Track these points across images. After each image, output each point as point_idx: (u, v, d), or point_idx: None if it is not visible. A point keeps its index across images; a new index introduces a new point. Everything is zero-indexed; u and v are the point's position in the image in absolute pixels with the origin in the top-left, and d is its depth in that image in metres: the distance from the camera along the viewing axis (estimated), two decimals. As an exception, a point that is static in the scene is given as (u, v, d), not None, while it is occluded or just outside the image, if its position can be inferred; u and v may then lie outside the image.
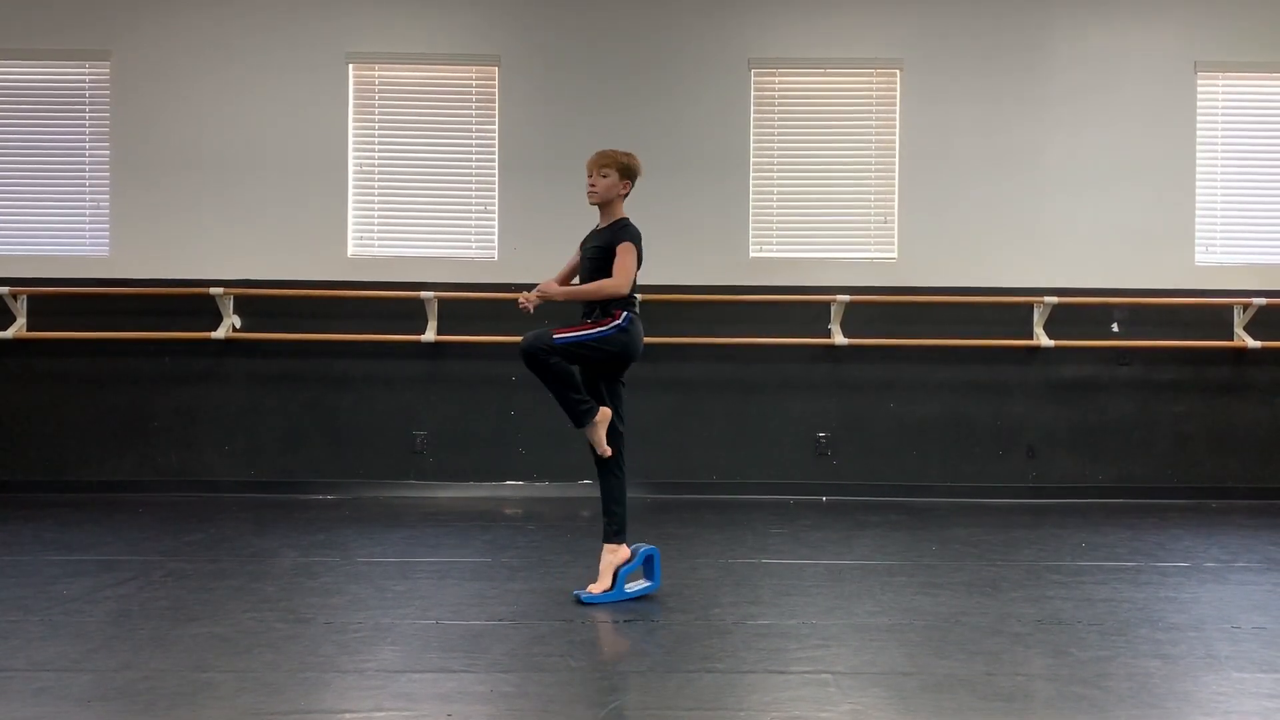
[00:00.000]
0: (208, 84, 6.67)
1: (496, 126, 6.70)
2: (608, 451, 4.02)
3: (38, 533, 5.29)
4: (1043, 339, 6.53)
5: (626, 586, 4.02)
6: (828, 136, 6.74)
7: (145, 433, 6.62)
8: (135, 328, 6.55)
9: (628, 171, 4.10)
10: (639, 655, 3.34)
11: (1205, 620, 3.79)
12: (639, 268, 4.06)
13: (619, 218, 4.13)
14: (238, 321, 6.58)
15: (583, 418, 3.97)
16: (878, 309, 6.59)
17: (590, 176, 4.09)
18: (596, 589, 4.00)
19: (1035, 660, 3.32)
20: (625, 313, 4.01)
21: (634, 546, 4.09)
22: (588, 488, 6.39)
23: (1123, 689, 3.04)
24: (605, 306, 4.03)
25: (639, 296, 4.13)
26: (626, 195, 4.15)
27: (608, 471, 4.07)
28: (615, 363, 4.06)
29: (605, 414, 4.00)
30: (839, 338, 6.52)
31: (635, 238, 4.05)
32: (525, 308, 4.07)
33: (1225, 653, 3.40)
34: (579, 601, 3.96)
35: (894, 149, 6.71)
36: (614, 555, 4.04)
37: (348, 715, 2.84)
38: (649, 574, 4.11)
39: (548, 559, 4.75)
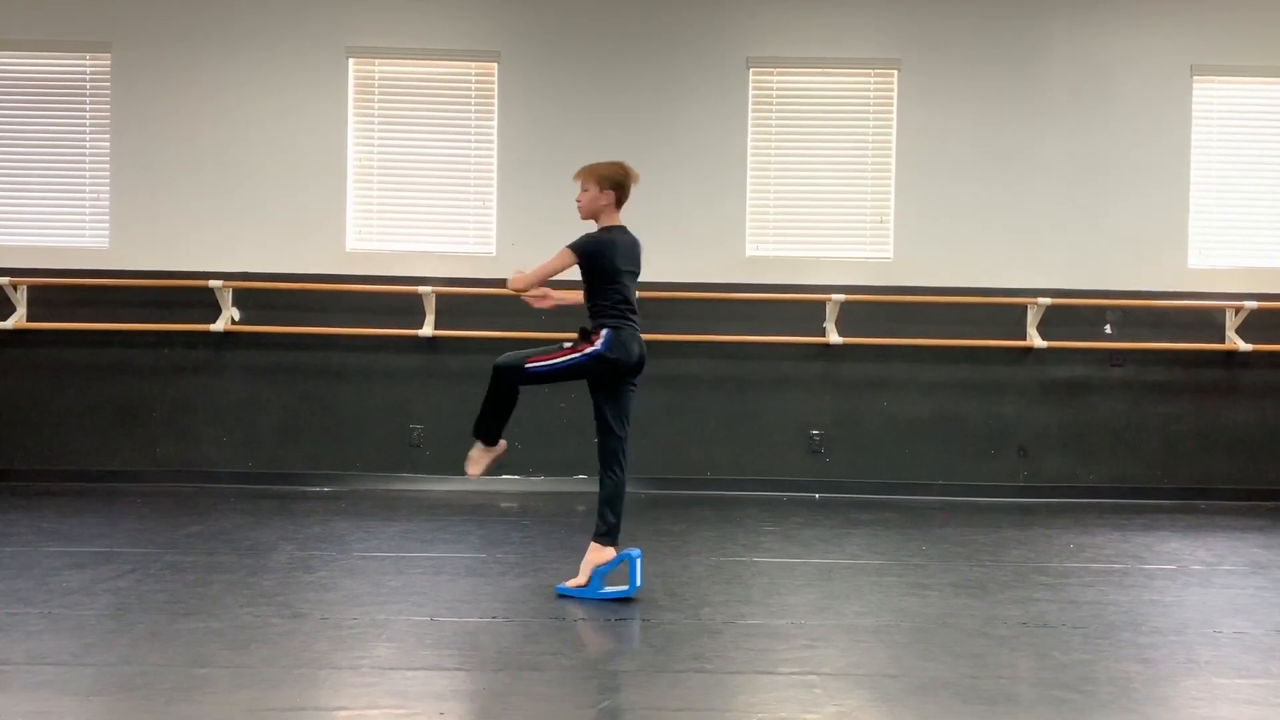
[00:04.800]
0: (208, 76, 6.70)
1: (495, 122, 6.73)
2: (471, 475, 4.23)
3: (36, 523, 5.34)
4: (1036, 340, 6.58)
5: (604, 587, 4.07)
6: (825, 136, 6.77)
7: (144, 424, 6.67)
8: (134, 319, 6.59)
9: (606, 181, 4.11)
10: (629, 654, 3.40)
11: (1188, 624, 3.85)
12: (600, 275, 4.07)
13: (603, 225, 4.17)
14: (236, 314, 6.62)
15: (482, 433, 4.19)
16: (872, 308, 6.64)
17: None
18: (572, 583, 4.10)
19: (1019, 663, 3.38)
20: (606, 333, 4.04)
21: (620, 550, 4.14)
22: (583, 482, 6.45)
23: (1104, 693, 3.09)
24: (591, 324, 4.11)
25: (627, 307, 4.10)
26: (616, 203, 4.16)
27: (605, 470, 4.13)
28: (606, 380, 4.10)
29: (498, 450, 4.23)
30: (834, 336, 6.57)
31: (576, 243, 4.06)
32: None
33: (1205, 657, 3.46)
34: (557, 594, 4.06)
35: (890, 149, 6.75)
36: (596, 555, 4.09)
37: (342, 713, 2.89)
38: (628, 578, 4.08)
39: (541, 555, 4.81)
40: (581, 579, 4.08)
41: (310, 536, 5.14)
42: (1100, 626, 3.79)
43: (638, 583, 4.06)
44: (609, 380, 4.10)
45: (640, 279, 4.24)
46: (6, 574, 4.28)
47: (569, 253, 4.03)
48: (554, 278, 4.08)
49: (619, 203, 4.17)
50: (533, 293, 4.18)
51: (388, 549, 4.91)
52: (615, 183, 4.13)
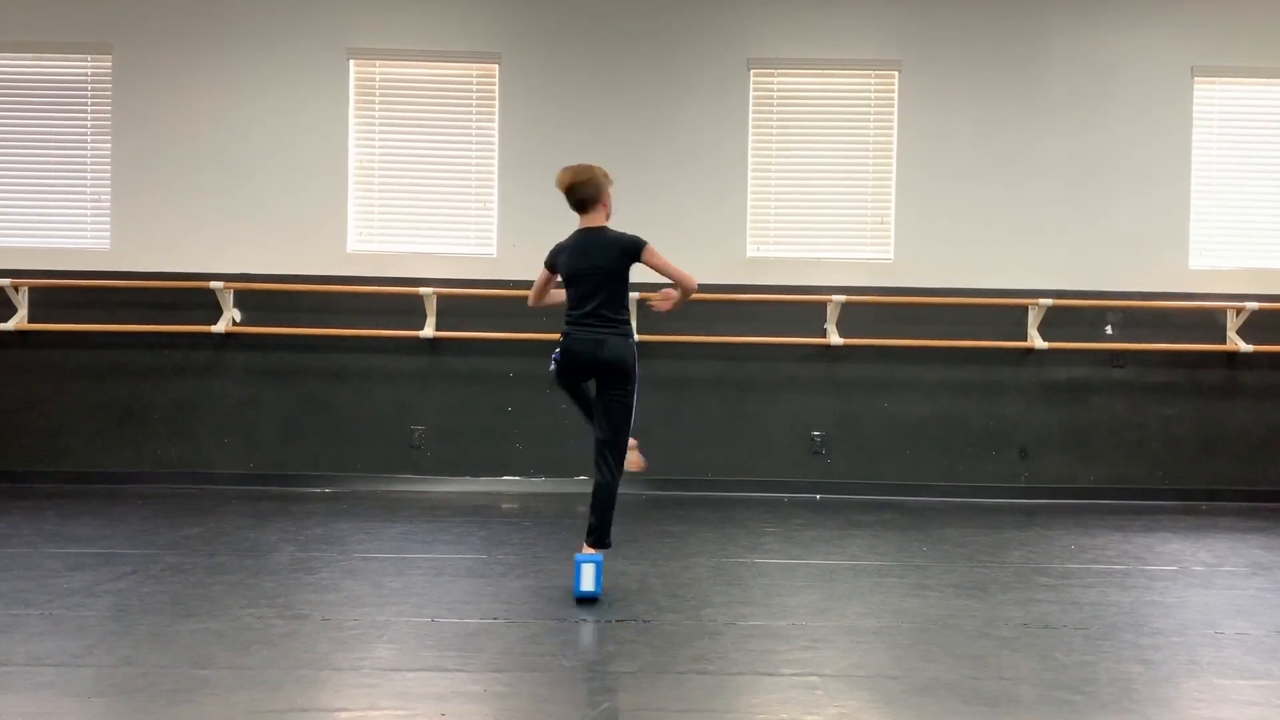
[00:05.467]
0: (209, 78, 6.70)
1: (496, 124, 6.74)
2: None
3: (38, 524, 5.35)
4: (1036, 341, 6.58)
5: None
6: (825, 137, 6.77)
7: (145, 425, 6.67)
8: (135, 320, 6.60)
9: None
10: (631, 656, 3.39)
11: (1189, 625, 3.85)
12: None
13: (606, 223, 4.26)
14: (237, 315, 6.62)
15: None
16: (873, 309, 6.64)
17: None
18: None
19: (1020, 664, 3.38)
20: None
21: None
22: (584, 484, 6.46)
23: (1105, 694, 3.09)
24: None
25: (573, 311, 4.23)
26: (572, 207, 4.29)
27: (594, 469, 4.21)
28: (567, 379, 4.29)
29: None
30: (834, 337, 6.56)
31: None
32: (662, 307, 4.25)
33: (1207, 658, 3.46)
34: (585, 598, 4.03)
35: (891, 150, 6.75)
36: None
37: (343, 714, 2.89)
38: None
39: (542, 556, 4.81)
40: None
41: (311, 538, 5.14)
42: (1101, 628, 3.78)
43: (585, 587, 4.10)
44: (570, 379, 4.25)
45: (640, 278, 4.29)
46: (8, 575, 4.28)
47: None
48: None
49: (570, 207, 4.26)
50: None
51: (388, 550, 4.91)
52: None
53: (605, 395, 4.14)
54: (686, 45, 6.72)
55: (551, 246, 4.28)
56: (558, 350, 4.17)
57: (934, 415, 6.72)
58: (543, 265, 4.28)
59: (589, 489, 4.31)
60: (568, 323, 4.17)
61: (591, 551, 4.09)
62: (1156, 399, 6.73)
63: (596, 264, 4.11)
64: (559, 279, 4.26)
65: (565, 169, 4.17)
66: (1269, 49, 6.72)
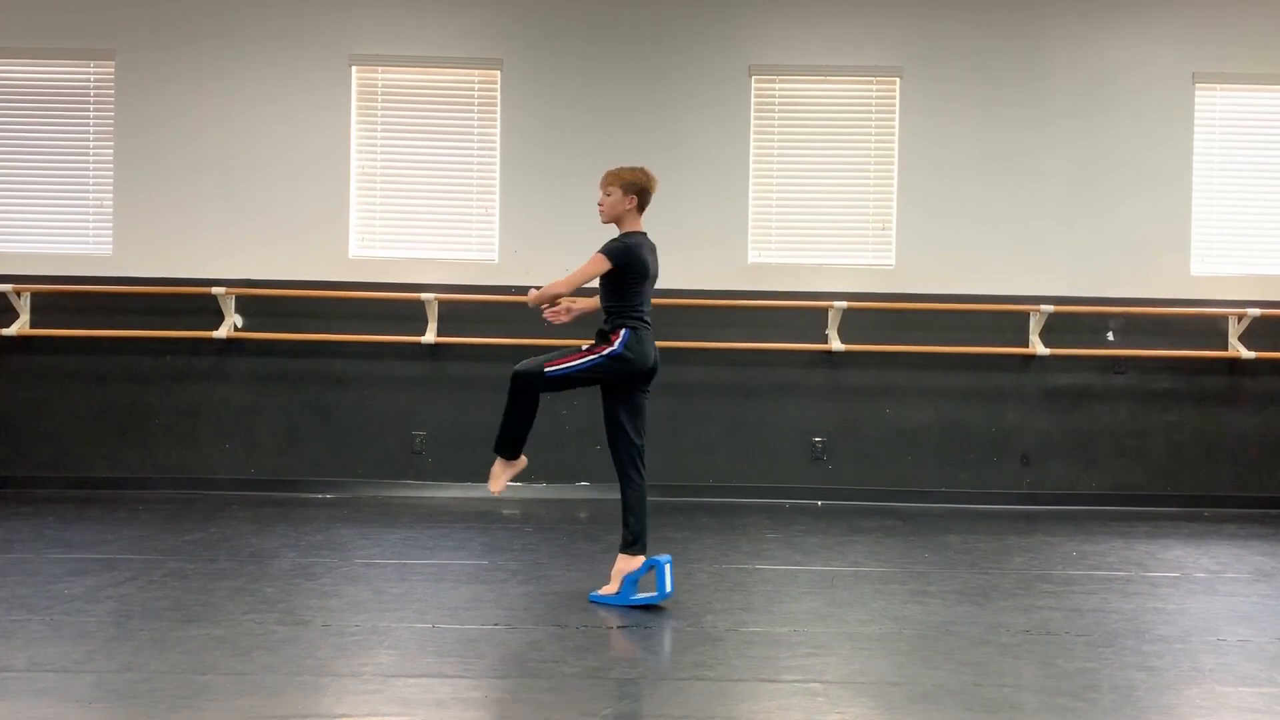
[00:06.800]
0: (212, 83, 6.71)
1: (498, 130, 6.74)
2: (494, 491, 4.23)
3: (39, 530, 5.34)
4: (1038, 347, 6.57)
5: (636, 594, 4.07)
6: (827, 143, 6.77)
7: (146, 430, 6.67)
8: (137, 326, 6.60)
9: (631, 186, 4.13)
10: (632, 662, 3.39)
11: (1192, 632, 3.84)
12: (628, 279, 4.08)
13: (622, 231, 4.20)
14: (239, 321, 6.63)
15: (504, 449, 4.16)
16: (875, 315, 6.63)
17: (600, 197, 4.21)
18: (604, 591, 4.12)
19: (1022, 671, 3.37)
20: (625, 332, 4.06)
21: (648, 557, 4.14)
22: (585, 489, 6.47)
23: (1107, 701, 3.09)
24: (609, 327, 4.10)
25: (646, 311, 4.16)
26: (639, 209, 4.19)
27: (626, 481, 4.13)
28: (622, 383, 4.11)
29: (519, 464, 4.24)
30: (836, 343, 6.56)
31: (608, 248, 4.07)
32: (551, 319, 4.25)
33: (1209, 666, 3.45)
34: (590, 601, 4.05)
35: (893, 156, 6.75)
36: (625, 563, 4.10)
37: (344, 720, 2.89)
38: (656, 584, 4.07)
39: (543, 562, 4.81)
40: (613, 587, 4.10)
41: (312, 543, 5.14)
42: (1103, 634, 3.78)
43: (668, 588, 4.04)
44: (625, 384, 4.10)
45: None
46: (9, 580, 4.28)
47: (603, 258, 4.03)
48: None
49: (641, 208, 4.19)
50: (557, 307, 4.21)
51: (390, 556, 4.91)
52: (638, 188, 4.16)
53: (643, 400, 4.18)
54: (688, 51, 6.73)
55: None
56: (624, 343, 4.03)
57: (936, 421, 6.72)
58: (605, 257, 4.03)
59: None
60: (643, 322, 4.12)
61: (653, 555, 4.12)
62: (1158, 405, 6.72)
63: (658, 270, 4.23)
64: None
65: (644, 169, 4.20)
66: (1270, 55, 6.73)
